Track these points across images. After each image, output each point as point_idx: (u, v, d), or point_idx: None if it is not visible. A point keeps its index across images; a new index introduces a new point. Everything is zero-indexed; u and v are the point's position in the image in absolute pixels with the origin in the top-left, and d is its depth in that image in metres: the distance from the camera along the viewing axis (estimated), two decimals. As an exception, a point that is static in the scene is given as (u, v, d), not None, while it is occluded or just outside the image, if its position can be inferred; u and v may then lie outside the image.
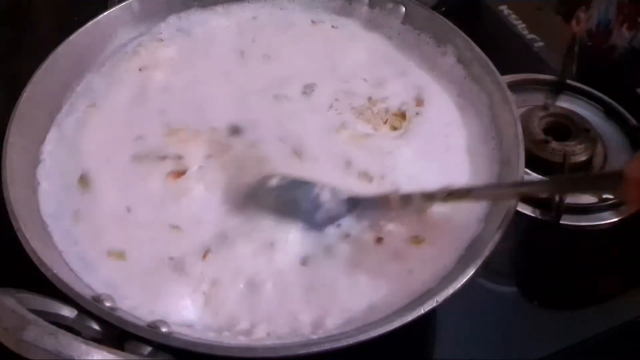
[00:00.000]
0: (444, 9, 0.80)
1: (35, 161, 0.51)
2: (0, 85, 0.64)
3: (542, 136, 0.67)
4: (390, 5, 0.63)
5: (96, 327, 0.40)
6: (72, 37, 0.56)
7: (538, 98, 0.74)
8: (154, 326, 0.40)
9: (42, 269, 0.41)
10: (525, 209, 0.63)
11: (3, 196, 0.45)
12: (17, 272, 0.42)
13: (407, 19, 0.62)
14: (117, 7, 0.59)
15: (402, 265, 0.47)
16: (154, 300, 0.45)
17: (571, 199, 0.62)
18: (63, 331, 0.33)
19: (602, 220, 0.63)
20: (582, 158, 0.66)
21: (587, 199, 0.64)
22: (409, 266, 0.47)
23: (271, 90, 0.58)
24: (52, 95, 0.54)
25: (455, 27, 0.59)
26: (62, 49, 0.55)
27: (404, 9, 0.62)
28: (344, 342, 0.40)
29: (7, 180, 0.46)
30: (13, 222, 0.44)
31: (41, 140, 0.52)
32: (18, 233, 0.43)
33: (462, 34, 0.58)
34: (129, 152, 0.53)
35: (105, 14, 0.59)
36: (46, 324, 0.33)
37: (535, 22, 0.83)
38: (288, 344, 0.41)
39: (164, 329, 0.40)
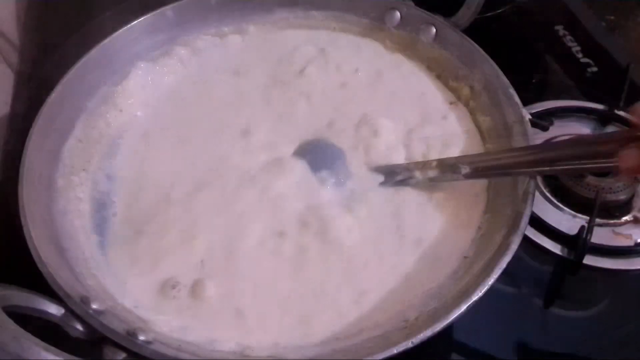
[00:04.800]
0: (494, 25, 0.78)
1: (55, 161, 0.54)
2: (32, 86, 0.68)
3: (579, 169, 0.63)
4: (421, 26, 0.61)
5: (80, 327, 0.42)
6: (106, 42, 0.59)
7: (584, 127, 0.70)
8: (132, 333, 0.42)
9: (39, 266, 0.43)
10: (548, 244, 0.60)
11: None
12: (21, 269, 0.45)
13: (437, 40, 0.61)
14: (151, 14, 0.61)
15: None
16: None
17: (597, 239, 0.58)
18: (28, 335, 0.35)
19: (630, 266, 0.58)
20: (620, 197, 0.62)
21: (616, 240, 0.60)
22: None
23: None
24: (78, 97, 0.57)
25: (484, 53, 0.57)
26: (95, 52, 0.58)
27: (434, 30, 0.60)
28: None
29: (24, 178, 0.49)
30: (21, 218, 0.46)
31: (63, 141, 0.55)
32: (24, 229, 0.46)
33: (490, 60, 0.56)
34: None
35: (139, 20, 0.61)
36: (15, 327, 0.35)
37: (591, 46, 0.78)
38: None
39: (141, 337, 0.42)
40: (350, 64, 0.63)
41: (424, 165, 0.54)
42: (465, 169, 0.51)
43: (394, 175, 0.55)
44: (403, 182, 0.55)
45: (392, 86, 0.61)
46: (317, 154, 0.56)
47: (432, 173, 0.54)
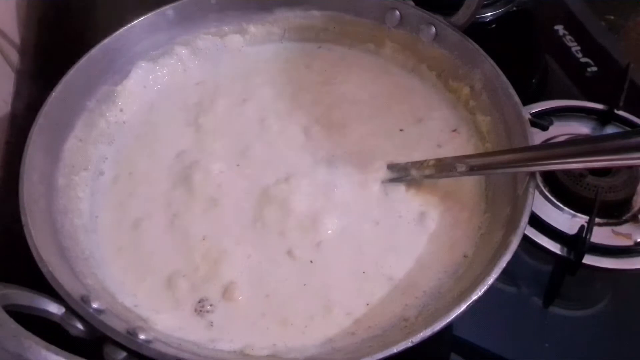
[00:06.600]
0: (494, 25, 0.78)
1: (56, 160, 0.54)
2: (32, 86, 0.68)
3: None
4: (421, 26, 0.61)
5: (80, 326, 0.42)
6: (106, 41, 0.59)
7: (583, 127, 0.70)
8: (132, 332, 0.42)
9: (40, 265, 0.43)
10: (548, 244, 0.60)
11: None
12: (21, 268, 0.46)
13: (437, 40, 0.61)
14: (151, 13, 0.61)
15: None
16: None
17: (597, 239, 0.59)
18: (29, 334, 0.35)
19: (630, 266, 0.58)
20: (620, 196, 0.62)
21: (615, 240, 0.60)
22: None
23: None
24: (78, 97, 0.57)
25: (484, 52, 0.57)
26: (95, 52, 0.58)
27: (434, 30, 0.61)
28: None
29: (24, 177, 0.49)
30: (22, 217, 0.46)
31: (63, 139, 0.55)
32: (25, 227, 0.46)
33: (490, 60, 0.56)
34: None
35: (139, 19, 0.61)
36: (15, 325, 0.35)
37: (591, 46, 0.78)
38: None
39: (142, 336, 0.42)
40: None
41: (421, 164, 0.54)
42: (462, 168, 0.51)
43: (390, 174, 0.56)
44: (399, 180, 0.55)
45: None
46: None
47: (428, 171, 0.54)
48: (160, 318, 0.47)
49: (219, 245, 0.51)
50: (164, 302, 0.49)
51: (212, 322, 0.48)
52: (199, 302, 0.49)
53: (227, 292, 0.49)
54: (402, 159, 0.56)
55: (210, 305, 0.48)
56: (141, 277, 0.50)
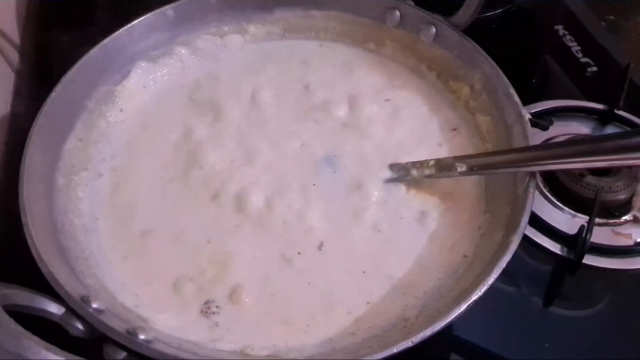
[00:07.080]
0: (494, 25, 0.78)
1: (56, 160, 0.54)
2: (32, 86, 0.68)
3: (578, 168, 0.63)
4: (421, 26, 0.61)
5: (80, 326, 0.42)
6: (106, 41, 0.59)
7: (583, 127, 0.70)
8: (132, 332, 0.42)
9: (40, 265, 0.43)
10: (548, 243, 0.60)
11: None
12: (21, 268, 0.46)
13: (437, 40, 0.61)
14: (151, 13, 0.61)
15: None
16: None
17: (597, 239, 0.59)
18: (29, 334, 0.35)
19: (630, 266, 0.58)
20: (620, 196, 0.62)
21: (615, 240, 0.60)
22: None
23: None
24: (78, 97, 0.57)
25: (484, 52, 0.57)
26: (95, 52, 0.58)
27: (434, 30, 0.60)
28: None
29: (24, 177, 0.49)
30: (22, 217, 0.46)
31: (63, 139, 0.55)
32: (24, 227, 0.46)
33: (490, 60, 0.56)
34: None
35: (139, 19, 0.61)
36: (15, 326, 0.35)
37: (591, 46, 0.78)
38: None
39: (142, 336, 0.42)
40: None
41: (421, 164, 0.54)
42: (462, 168, 0.52)
43: (390, 173, 0.56)
44: (399, 180, 0.55)
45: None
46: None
47: (428, 171, 0.54)
48: (161, 318, 0.47)
49: (224, 248, 0.52)
50: (169, 304, 0.49)
51: (217, 323, 0.48)
52: (205, 303, 0.49)
53: (234, 293, 0.49)
54: (402, 158, 0.56)
55: (217, 307, 0.48)
56: (147, 282, 0.50)
